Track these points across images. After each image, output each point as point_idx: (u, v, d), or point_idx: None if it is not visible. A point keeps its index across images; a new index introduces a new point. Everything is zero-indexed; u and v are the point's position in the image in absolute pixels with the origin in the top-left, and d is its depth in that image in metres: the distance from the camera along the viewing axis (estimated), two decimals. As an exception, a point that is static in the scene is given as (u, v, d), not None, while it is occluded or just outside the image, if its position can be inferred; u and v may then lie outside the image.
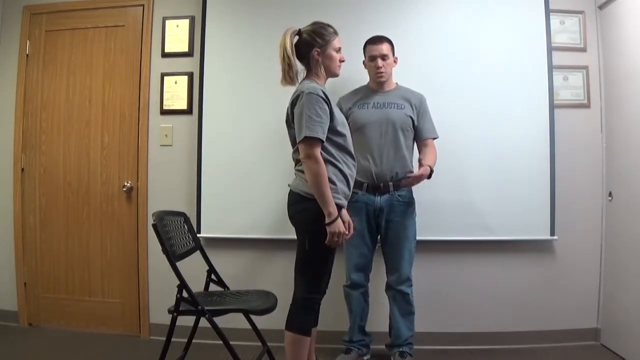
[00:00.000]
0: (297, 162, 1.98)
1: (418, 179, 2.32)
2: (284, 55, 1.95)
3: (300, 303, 1.92)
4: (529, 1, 2.78)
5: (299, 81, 1.99)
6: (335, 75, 2.07)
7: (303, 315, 1.91)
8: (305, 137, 1.83)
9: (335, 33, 2.03)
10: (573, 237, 2.79)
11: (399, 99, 2.45)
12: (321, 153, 1.87)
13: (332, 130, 1.91)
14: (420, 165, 2.30)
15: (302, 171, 1.92)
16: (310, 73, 2.02)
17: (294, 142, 1.97)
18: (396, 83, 2.53)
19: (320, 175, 1.83)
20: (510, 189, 2.72)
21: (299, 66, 2.00)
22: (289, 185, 2.01)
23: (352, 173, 2.00)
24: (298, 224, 1.96)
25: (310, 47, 1.98)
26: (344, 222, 1.89)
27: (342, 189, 1.93)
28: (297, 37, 2.00)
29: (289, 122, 1.97)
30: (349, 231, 1.93)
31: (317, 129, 1.84)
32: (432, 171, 2.36)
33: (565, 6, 2.84)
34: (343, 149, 1.97)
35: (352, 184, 2.01)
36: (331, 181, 1.88)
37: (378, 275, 2.57)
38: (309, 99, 1.85)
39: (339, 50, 2.03)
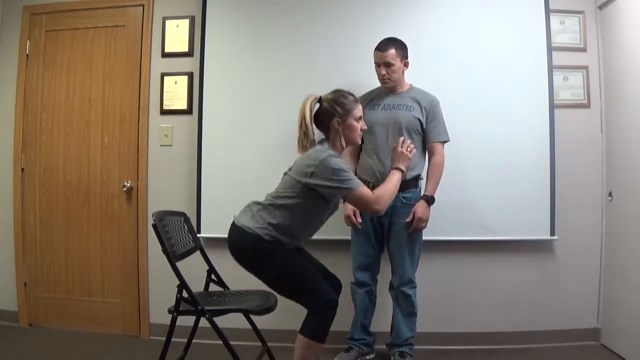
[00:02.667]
0: (271, 199, 1.98)
1: (419, 222, 2.37)
2: (302, 123, 1.95)
3: (314, 311, 1.87)
4: (529, 1, 2.78)
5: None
6: (356, 144, 2.11)
7: (316, 322, 1.86)
8: (351, 192, 1.90)
9: (357, 101, 2.03)
10: (573, 237, 2.79)
11: (409, 100, 2.45)
12: (292, 197, 1.91)
13: (321, 197, 1.92)
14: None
15: (264, 208, 1.94)
16: (327, 139, 2.02)
17: (283, 185, 1.98)
18: (410, 84, 2.52)
19: (387, 194, 1.95)
20: (510, 189, 2.72)
21: (316, 134, 2.00)
22: (234, 217, 2.01)
23: (299, 237, 2.00)
24: (248, 263, 1.95)
25: (331, 117, 1.98)
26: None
27: (279, 237, 1.91)
28: (317, 105, 2.00)
29: (292, 170, 1.99)
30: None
31: (351, 181, 1.90)
32: (432, 199, 2.41)
33: (565, 6, 2.84)
34: (311, 217, 1.99)
35: (294, 241, 1.99)
36: (274, 225, 1.90)
37: (382, 275, 2.57)
38: (336, 173, 1.87)
39: (359, 119, 2.03)
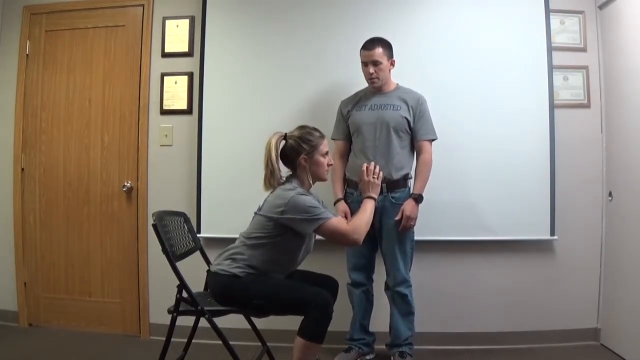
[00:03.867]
0: (243, 239, 1.97)
1: (408, 220, 2.35)
2: (268, 161, 1.95)
3: (309, 315, 1.86)
4: (529, 1, 2.78)
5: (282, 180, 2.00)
6: (323, 179, 2.08)
7: (313, 324, 1.84)
8: (321, 225, 1.89)
9: (322, 137, 2.04)
10: (573, 237, 2.79)
11: (396, 100, 2.44)
12: (264, 237, 1.91)
13: (294, 234, 1.92)
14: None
15: (238, 250, 1.94)
16: (294, 176, 2.02)
17: (255, 226, 1.97)
18: (396, 84, 2.52)
19: (364, 224, 1.96)
20: (510, 189, 2.72)
21: (283, 171, 2.00)
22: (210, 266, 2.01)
23: (275, 269, 1.98)
24: (232, 303, 1.92)
25: (297, 154, 1.98)
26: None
27: (253, 272, 1.91)
28: (283, 142, 2.00)
29: (262, 210, 1.98)
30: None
31: (323, 214, 1.90)
32: (420, 198, 2.39)
33: (565, 6, 2.84)
34: (284, 254, 1.98)
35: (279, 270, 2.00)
36: (248, 265, 1.90)
37: (379, 275, 2.57)
38: (307, 210, 1.88)
39: (326, 154, 2.03)
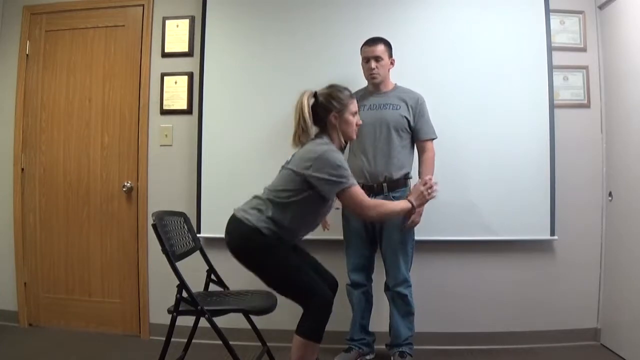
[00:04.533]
0: (269, 192, 1.96)
1: (415, 217, 2.35)
2: (300, 118, 1.93)
3: (309, 311, 1.86)
4: (529, 1, 2.78)
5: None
6: (352, 139, 2.09)
7: (312, 322, 1.85)
8: (345, 189, 1.88)
9: (352, 96, 2.03)
10: (573, 237, 2.79)
11: (395, 99, 2.45)
12: (290, 193, 1.89)
13: (319, 195, 1.90)
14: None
15: (264, 202, 1.93)
16: (324, 133, 2.01)
17: (282, 180, 1.96)
18: (395, 84, 2.52)
19: (386, 209, 1.98)
20: (510, 189, 2.72)
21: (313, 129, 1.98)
22: (234, 209, 1.98)
23: (295, 234, 1.97)
24: (244, 256, 1.92)
25: (328, 112, 1.97)
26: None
27: (278, 231, 1.89)
28: (312, 100, 1.98)
29: (290, 163, 1.97)
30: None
31: (350, 178, 1.90)
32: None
33: (565, 6, 2.84)
34: (308, 214, 1.97)
35: (291, 238, 1.97)
36: (273, 219, 1.88)
37: (379, 275, 2.57)
38: (336, 168, 1.87)
39: (355, 113, 2.03)
